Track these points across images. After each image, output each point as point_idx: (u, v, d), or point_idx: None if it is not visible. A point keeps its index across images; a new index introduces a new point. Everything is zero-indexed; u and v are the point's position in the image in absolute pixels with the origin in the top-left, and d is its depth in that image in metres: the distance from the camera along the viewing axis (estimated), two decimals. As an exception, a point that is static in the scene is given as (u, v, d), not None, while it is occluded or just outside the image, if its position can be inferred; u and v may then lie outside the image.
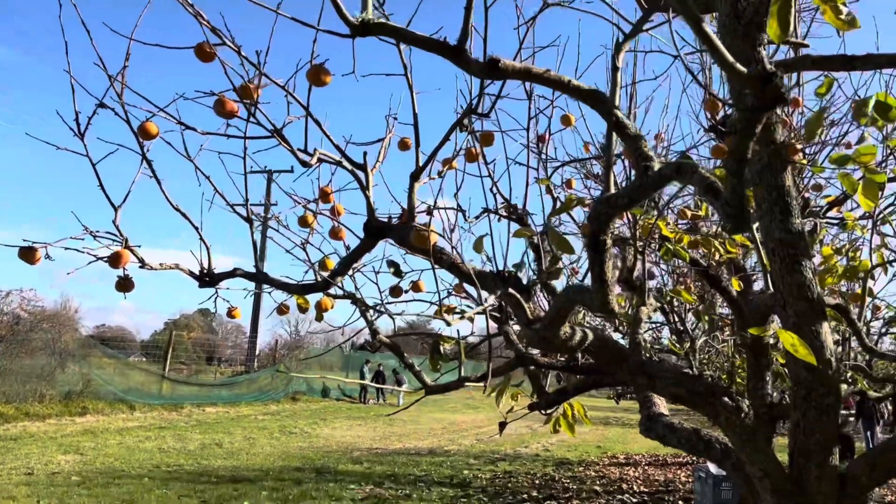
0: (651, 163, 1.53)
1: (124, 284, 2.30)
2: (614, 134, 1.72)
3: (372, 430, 17.49)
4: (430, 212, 3.02)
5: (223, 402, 21.43)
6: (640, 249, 3.49)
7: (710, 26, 1.09)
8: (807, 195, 4.44)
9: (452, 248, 2.36)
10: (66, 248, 2.21)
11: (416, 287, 3.20)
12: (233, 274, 2.65)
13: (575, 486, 10.54)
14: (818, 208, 4.46)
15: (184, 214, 2.50)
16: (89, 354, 18.90)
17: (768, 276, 3.48)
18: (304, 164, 2.24)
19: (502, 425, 3.70)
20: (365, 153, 2.60)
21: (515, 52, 2.49)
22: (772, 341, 4.62)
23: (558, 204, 3.33)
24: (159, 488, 8.88)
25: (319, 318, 3.00)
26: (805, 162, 4.23)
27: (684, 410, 22.30)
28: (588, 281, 3.37)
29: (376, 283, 3.18)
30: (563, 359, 3.31)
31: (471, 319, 2.24)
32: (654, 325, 7.06)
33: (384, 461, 12.28)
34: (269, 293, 3.09)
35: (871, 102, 2.37)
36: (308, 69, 2.17)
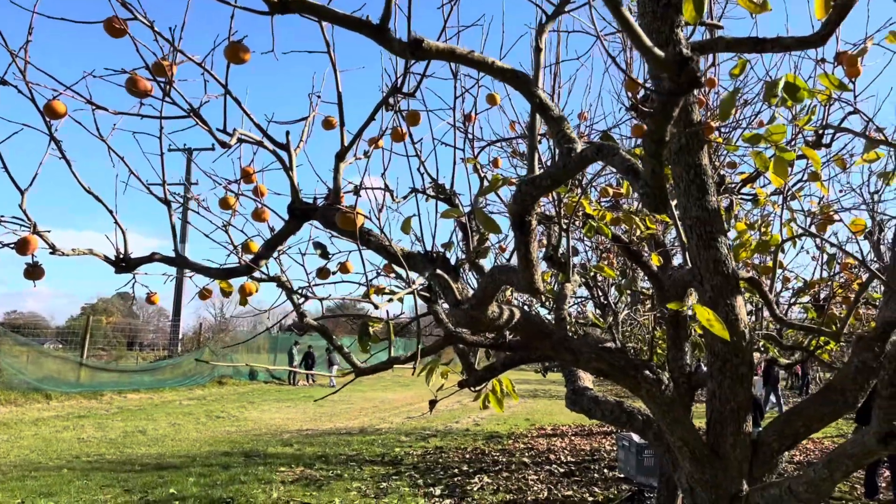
0: (574, 144, 1.55)
1: (33, 272, 2.19)
2: (538, 115, 1.73)
3: (302, 412, 17.36)
4: (357, 192, 2.98)
5: (146, 388, 20.81)
6: (565, 227, 3.55)
7: (627, 10, 1.11)
8: (722, 172, 4.61)
9: (381, 229, 2.35)
10: (-33, 235, 2.09)
11: (343, 268, 3.17)
12: (150, 259, 2.56)
13: (504, 459, 10.75)
14: (733, 185, 4.63)
15: (96, 197, 2.39)
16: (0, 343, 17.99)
17: (686, 251, 3.61)
18: (224, 144, 2.17)
19: (433, 403, 3.73)
20: (287, 132, 2.55)
21: (440, 31, 2.47)
22: (690, 313, 4.80)
23: (485, 183, 3.35)
24: (80, 479, 8.59)
25: (244, 302, 2.94)
26: (720, 140, 4.39)
27: (609, 382, 23.04)
28: (514, 260, 3.41)
29: (303, 266, 3.13)
30: (490, 337, 3.35)
31: (400, 300, 2.24)
32: (578, 300, 7.22)
33: (315, 442, 12.21)
34: (191, 277, 3.01)
35: (781, 84, 2.46)
36: (226, 46, 2.10)
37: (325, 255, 3.05)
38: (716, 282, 2.44)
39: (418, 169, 3.24)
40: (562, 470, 9.89)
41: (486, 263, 3.29)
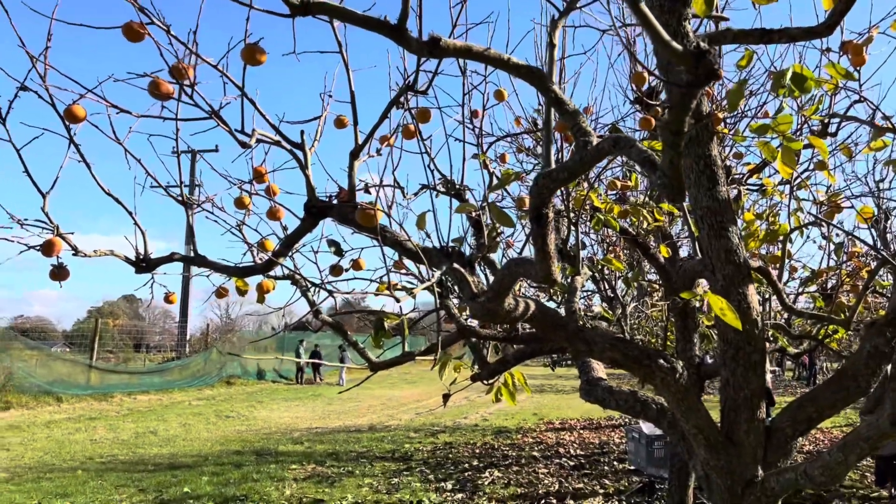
0: (589, 138, 1.58)
1: (59, 273, 2.23)
2: (552, 110, 1.77)
3: (310, 410, 17.42)
4: (367, 189, 3.02)
5: (155, 390, 20.91)
6: (574, 220, 3.59)
7: (644, 5, 1.14)
8: (728, 163, 4.64)
9: (400, 225, 2.39)
10: (-6, 238, 2.13)
11: (356, 265, 3.21)
12: (170, 258, 2.60)
13: (514, 454, 10.80)
14: (739, 175, 4.66)
15: (117, 200, 2.43)
16: (10, 347, 18.09)
17: (696, 242, 3.64)
18: (244, 144, 2.21)
19: (446, 397, 3.77)
20: (302, 132, 2.59)
21: (450, 29, 2.50)
22: (697, 304, 4.83)
23: (494, 178, 3.39)
24: (94, 480, 8.66)
25: (261, 300, 2.98)
26: (727, 131, 4.41)
27: (616, 374, 23.04)
28: (527, 252, 3.44)
29: (315, 263, 3.17)
30: (503, 330, 3.39)
31: (413, 295, 2.28)
32: (585, 293, 7.25)
33: (325, 440, 12.27)
34: (208, 276, 3.05)
35: (789, 74, 2.50)
36: (242, 48, 2.14)
37: (339, 252, 3.09)
38: (727, 271, 2.47)
39: (428, 165, 3.29)
40: (571, 463, 9.93)
41: (495, 258, 3.33)
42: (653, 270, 7.28)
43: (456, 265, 2.22)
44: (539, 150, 5.33)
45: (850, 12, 2.11)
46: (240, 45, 2.17)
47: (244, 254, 2.97)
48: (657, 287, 6.67)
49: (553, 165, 1.74)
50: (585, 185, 3.73)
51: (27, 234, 2.27)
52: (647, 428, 8.40)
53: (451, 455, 10.69)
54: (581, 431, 13.48)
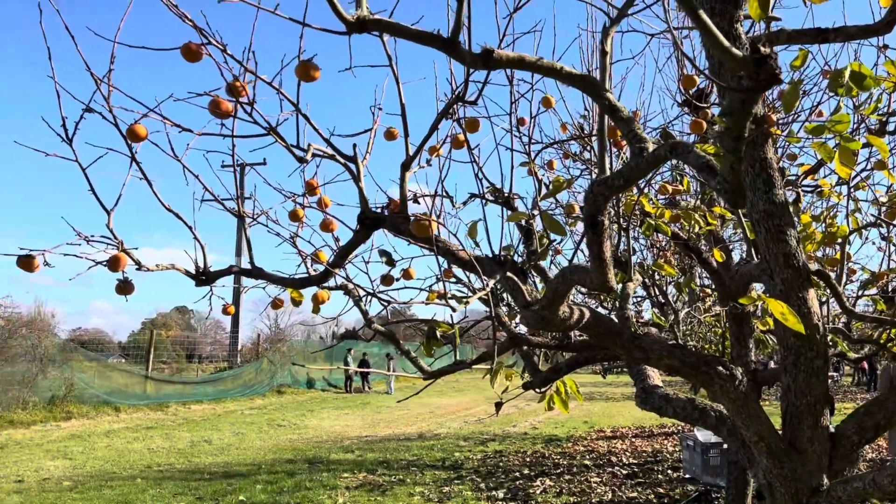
0: (645, 144, 1.58)
1: (125, 287, 2.31)
2: (606, 117, 1.77)
3: (360, 419, 17.57)
4: (416, 199, 3.05)
5: (208, 399, 21.35)
6: (624, 226, 3.56)
7: (702, 11, 1.14)
8: (781, 165, 4.54)
9: (454, 235, 2.40)
10: (65, 255, 2.21)
11: (406, 275, 3.24)
12: (229, 271, 2.67)
13: (565, 462, 10.70)
14: (793, 177, 4.56)
15: (177, 215, 2.51)
16: (70, 359, 18.68)
17: (752, 246, 3.57)
18: (300, 159, 2.26)
19: (499, 405, 3.76)
20: (354, 145, 2.63)
21: (499, 40, 2.52)
22: (751, 309, 4.74)
23: (542, 186, 3.39)
24: (153, 488, 8.88)
25: (316, 310, 3.03)
26: (779, 133, 4.33)
27: (667, 381, 22.66)
28: (576, 260, 3.42)
29: (367, 273, 3.21)
30: (555, 338, 3.38)
31: (468, 303, 2.29)
32: (635, 300, 7.17)
33: (375, 448, 12.35)
34: (264, 288, 3.12)
35: (847, 73, 2.44)
36: (297, 65, 2.19)
37: (390, 262, 3.12)
38: (786, 275, 2.42)
39: (476, 175, 3.30)
40: (624, 472, 9.79)
41: (544, 265, 3.32)
42: (703, 275, 7.17)
43: (509, 273, 2.22)
44: (586, 155, 5.30)
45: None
46: (294, 62, 2.23)
47: (298, 265, 3.03)
48: (709, 292, 6.56)
49: (608, 172, 1.74)
50: (635, 189, 3.70)
51: (93, 251, 2.36)
52: (703, 436, 8.24)
53: (501, 463, 10.64)
54: (633, 440, 13.29)
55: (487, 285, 2.02)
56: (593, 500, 8.06)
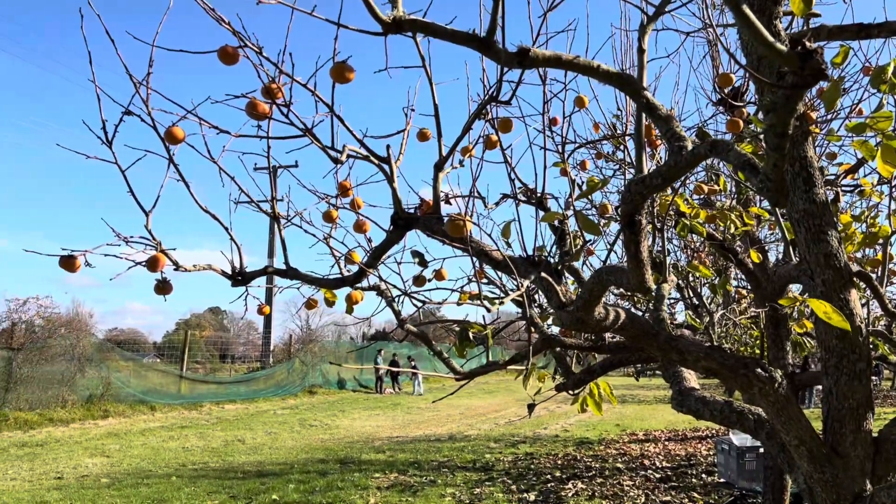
0: (684, 142, 1.55)
1: (163, 287, 2.35)
2: (644, 115, 1.75)
3: (391, 419, 17.62)
4: (448, 200, 3.05)
5: (241, 399, 21.60)
6: (659, 226, 3.52)
7: (746, 7, 1.12)
8: (820, 164, 4.45)
9: (489, 235, 2.40)
10: (105, 255, 2.25)
11: (438, 275, 3.24)
12: (264, 272, 2.70)
13: (597, 465, 10.62)
14: (833, 176, 4.47)
15: (214, 216, 2.54)
16: (107, 358, 19.06)
17: (791, 246, 3.50)
18: (336, 160, 2.28)
19: (531, 407, 3.75)
20: (388, 146, 2.64)
21: (533, 39, 2.51)
22: (789, 311, 4.65)
23: (575, 186, 3.36)
24: (188, 486, 9.00)
25: (350, 310, 3.05)
26: (818, 131, 4.24)
27: (701, 385, 22.35)
28: (611, 261, 3.38)
29: (399, 274, 3.22)
30: (589, 339, 3.35)
31: (502, 303, 2.28)
32: (669, 301, 7.08)
33: (406, 449, 12.38)
34: (298, 288, 3.14)
35: (891, 69, 2.39)
36: (332, 67, 2.20)
37: (423, 262, 3.13)
38: (827, 276, 2.37)
39: (509, 175, 3.29)
40: (658, 475, 9.68)
41: (576, 266, 3.30)
42: (739, 276, 7.06)
43: (544, 274, 2.21)
44: (619, 155, 5.26)
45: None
46: (328, 63, 2.24)
47: (332, 266, 3.05)
48: (745, 294, 6.46)
49: (644, 171, 1.72)
50: (670, 189, 3.66)
51: (132, 251, 2.39)
52: (738, 440, 8.11)
53: (532, 466, 10.60)
54: (666, 443, 13.13)
55: (521, 286, 2.00)
56: (626, 504, 7.99)
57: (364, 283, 3.05)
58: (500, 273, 3.48)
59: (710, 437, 13.26)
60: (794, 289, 5.30)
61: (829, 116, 4.58)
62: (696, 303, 5.54)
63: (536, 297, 3.63)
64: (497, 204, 3.42)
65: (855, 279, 2.56)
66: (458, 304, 3.13)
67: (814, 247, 2.38)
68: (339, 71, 2.21)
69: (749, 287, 5.71)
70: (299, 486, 8.97)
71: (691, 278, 5.49)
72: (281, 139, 2.29)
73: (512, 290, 3.24)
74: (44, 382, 16.11)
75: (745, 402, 3.07)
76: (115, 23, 2.38)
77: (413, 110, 2.96)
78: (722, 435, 10.95)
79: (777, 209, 3.54)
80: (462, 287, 3.44)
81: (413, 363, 27.36)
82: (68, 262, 2.21)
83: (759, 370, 2.30)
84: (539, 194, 3.34)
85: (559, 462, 10.93)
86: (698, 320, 5.08)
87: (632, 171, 3.60)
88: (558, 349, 3.53)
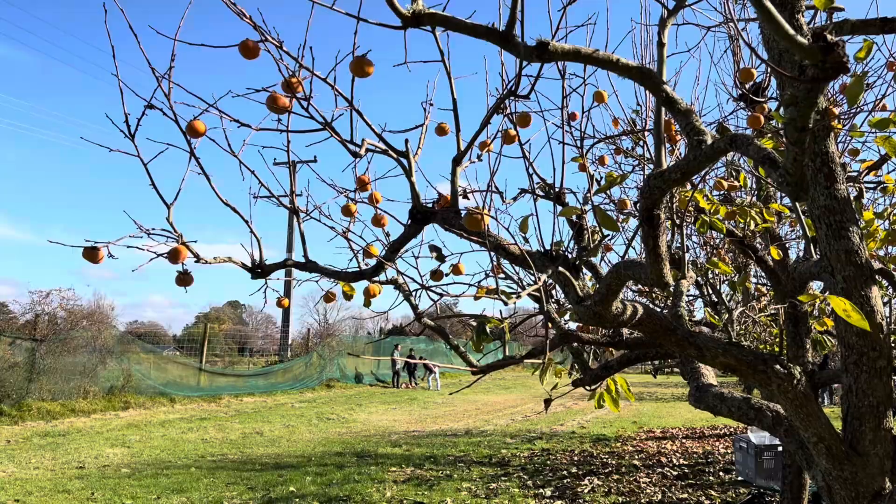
0: (704, 136, 1.55)
1: (184, 279, 2.38)
2: (663, 110, 1.74)
3: (407, 414, 17.68)
4: (465, 195, 3.06)
5: (259, 392, 21.78)
6: (678, 222, 3.50)
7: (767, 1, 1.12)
8: (842, 160, 4.40)
9: (506, 229, 2.40)
10: (128, 247, 2.29)
11: (456, 270, 3.25)
12: (284, 264, 2.72)
13: (614, 462, 10.59)
14: (855, 173, 4.42)
15: (234, 209, 2.57)
16: (128, 350, 19.30)
17: (811, 243, 3.47)
18: (355, 154, 2.29)
19: (548, 402, 3.74)
20: (407, 141, 2.65)
21: (552, 33, 2.50)
22: (809, 308, 4.61)
23: (593, 181, 3.35)
24: (206, 477, 9.10)
25: (367, 303, 3.06)
26: (840, 127, 4.20)
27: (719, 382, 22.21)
28: (629, 256, 3.38)
29: (416, 268, 3.23)
30: (606, 334, 3.35)
31: (519, 298, 2.29)
32: (687, 298, 7.03)
33: (422, 443, 12.42)
34: (317, 281, 3.17)
35: (915, 64, 2.36)
36: (351, 61, 2.21)
37: (440, 257, 3.14)
38: (848, 272, 2.35)
39: (527, 170, 3.29)
40: (674, 473, 9.64)
41: (594, 261, 3.29)
42: (758, 273, 7.00)
43: (561, 268, 2.21)
44: (638, 150, 5.23)
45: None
46: (347, 57, 2.25)
47: (350, 260, 3.07)
48: (764, 291, 6.41)
49: (664, 166, 1.71)
50: (689, 185, 3.64)
51: (153, 244, 2.43)
52: (756, 437, 8.06)
53: (548, 461, 10.59)
54: (683, 441, 13.06)
55: (539, 281, 2.01)
56: (643, 501, 7.96)
57: (382, 277, 3.07)
58: (517, 268, 3.48)
59: (727, 435, 13.17)
60: (815, 286, 5.25)
61: (852, 112, 4.53)
62: (716, 300, 5.51)
63: (554, 292, 3.63)
64: (515, 199, 3.41)
65: (877, 276, 2.54)
66: (476, 298, 3.15)
67: (835, 243, 2.36)
68: (358, 65, 2.22)
69: (769, 284, 5.66)
70: (316, 479, 9.03)
71: (710, 275, 5.46)
72: (301, 132, 2.30)
73: (529, 284, 3.24)
74: (66, 374, 16.34)
75: (763, 398, 3.06)
76: (137, 19, 2.40)
77: (432, 105, 2.97)
78: (740, 433, 10.88)
79: (798, 205, 3.51)
80: (479, 282, 3.45)
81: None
82: (92, 254, 2.24)
83: (777, 366, 2.29)
84: (557, 189, 3.33)
85: (575, 458, 10.92)
86: (717, 317, 5.05)
87: (651, 166, 3.59)
88: (575, 345, 3.53)
